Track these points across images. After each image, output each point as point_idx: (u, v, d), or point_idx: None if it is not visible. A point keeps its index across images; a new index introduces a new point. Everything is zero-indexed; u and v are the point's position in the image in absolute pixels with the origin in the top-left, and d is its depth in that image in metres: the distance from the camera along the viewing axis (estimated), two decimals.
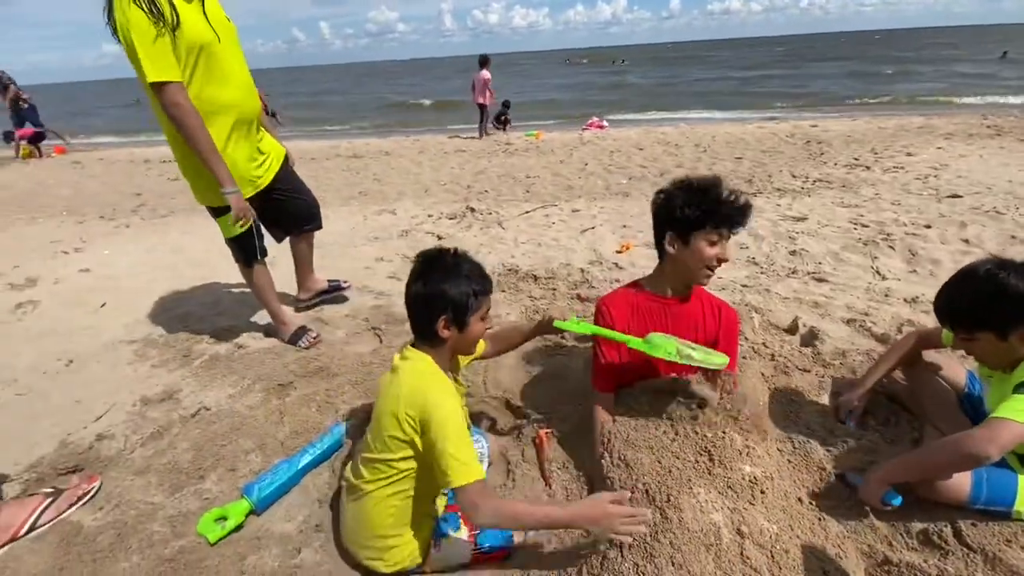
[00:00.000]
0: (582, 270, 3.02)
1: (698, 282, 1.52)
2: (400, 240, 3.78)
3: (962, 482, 1.32)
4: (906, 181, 4.61)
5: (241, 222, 2.04)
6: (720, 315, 1.58)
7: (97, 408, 2.00)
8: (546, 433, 1.70)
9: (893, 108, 12.70)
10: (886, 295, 2.53)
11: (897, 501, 1.35)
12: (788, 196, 4.40)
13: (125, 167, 7.59)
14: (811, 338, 2.17)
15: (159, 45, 1.70)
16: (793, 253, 3.07)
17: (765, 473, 1.41)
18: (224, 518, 1.45)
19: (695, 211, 1.40)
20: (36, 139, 9.30)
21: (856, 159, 5.62)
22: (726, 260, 1.46)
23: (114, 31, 1.73)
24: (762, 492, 1.35)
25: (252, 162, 2.09)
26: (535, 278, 2.94)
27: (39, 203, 5.72)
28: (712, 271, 1.48)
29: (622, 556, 1.23)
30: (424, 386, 1.22)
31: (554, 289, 2.78)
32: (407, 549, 1.28)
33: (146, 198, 5.70)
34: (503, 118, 10.35)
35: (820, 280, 2.72)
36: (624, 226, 3.81)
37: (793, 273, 2.83)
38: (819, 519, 1.38)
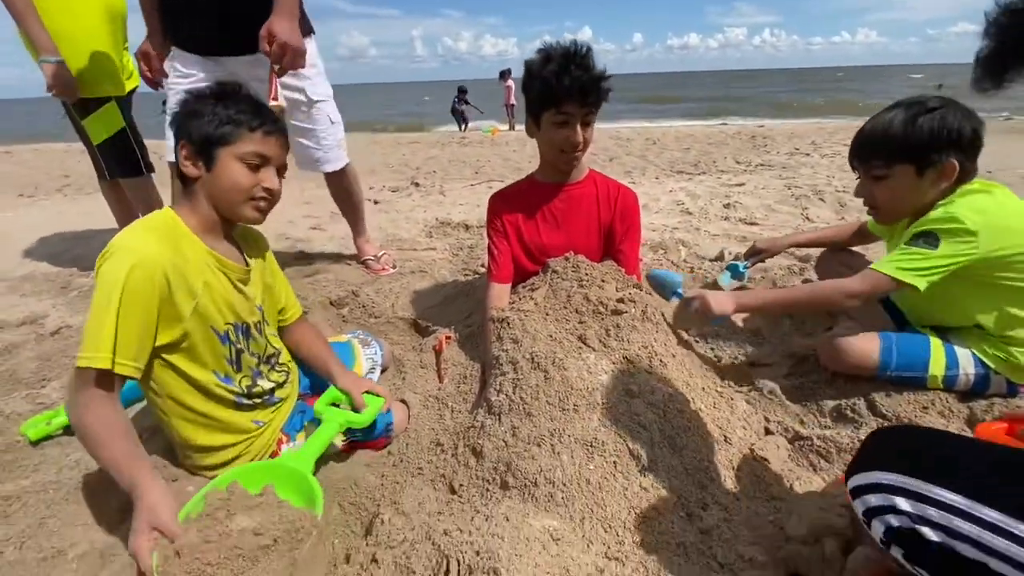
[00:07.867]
0: None
1: (559, 169, 1.44)
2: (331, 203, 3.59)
3: (869, 347, 1.24)
4: (843, 163, 4.73)
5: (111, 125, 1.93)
6: (618, 198, 1.49)
7: None
8: (446, 337, 1.56)
9: (837, 114, 13.31)
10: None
11: (718, 322, 1.43)
12: (730, 174, 4.45)
13: (59, 155, 7.15)
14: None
15: None
16: (727, 206, 3.05)
17: (669, 351, 1.30)
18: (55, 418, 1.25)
19: (536, 90, 1.29)
20: None
21: (797, 148, 5.78)
22: (578, 144, 1.34)
23: None
24: (662, 363, 1.24)
25: (117, 63, 1.96)
26: (466, 227, 2.82)
27: None
28: (569, 156, 1.38)
29: (499, 421, 1.09)
30: (112, 243, 0.89)
31: (482, 234, 2.66)
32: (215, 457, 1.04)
33: (74, 179, 5.34)
34: (460, 109, 10.82)
35: (751, 224, 2.70)
36: None
37: (725, 219, 2.81)
38: (724, 396, 1.28)
